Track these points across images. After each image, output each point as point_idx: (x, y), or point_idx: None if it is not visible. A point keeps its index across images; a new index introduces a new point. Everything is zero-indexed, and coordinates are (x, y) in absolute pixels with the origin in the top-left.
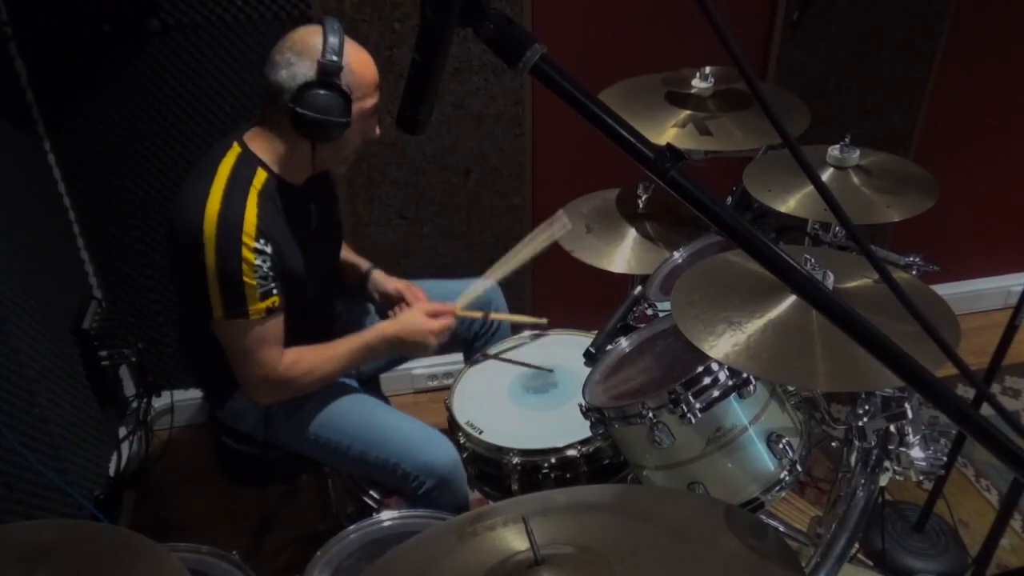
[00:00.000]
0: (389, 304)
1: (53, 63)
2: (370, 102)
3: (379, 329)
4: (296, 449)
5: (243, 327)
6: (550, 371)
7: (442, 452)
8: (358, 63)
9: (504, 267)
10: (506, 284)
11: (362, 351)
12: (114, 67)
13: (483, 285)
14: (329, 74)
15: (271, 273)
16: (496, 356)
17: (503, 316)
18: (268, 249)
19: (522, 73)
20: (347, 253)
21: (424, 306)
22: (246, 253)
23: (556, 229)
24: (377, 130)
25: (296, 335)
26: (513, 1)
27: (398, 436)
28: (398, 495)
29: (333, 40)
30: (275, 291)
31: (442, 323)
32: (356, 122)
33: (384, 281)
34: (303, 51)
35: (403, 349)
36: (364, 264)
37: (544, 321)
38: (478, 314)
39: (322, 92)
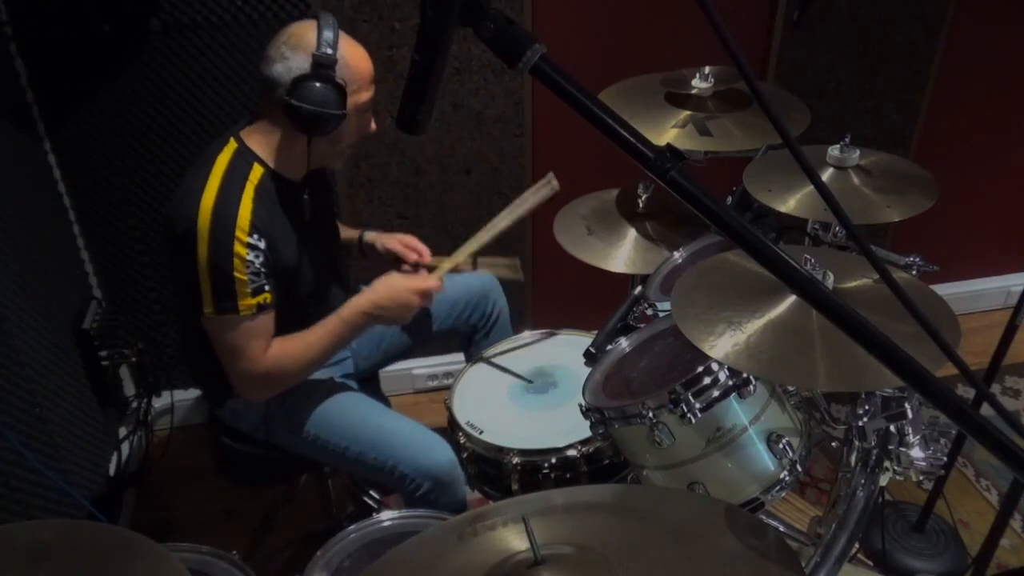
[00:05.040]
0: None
1: (53, 63)
2: (365, 95)
3: (354, 302)
4: (294, 449)
5: (232, 323)
6: (530, 381)
7: (439, 454)
8: (353, 56)
9: (488, 234)
10: (506, 284)
11: (342, 328)
12: (114, 67)
13: (463, 255)
14: (324, 67)
15: (263, 269)
16: (487, 360)
17: (486, 262)
18: (261, 245)
19: (522, 73)
20: (342, 230)
21: (403, 273)
22: (238, 248)
23: (544, 192)
24: (373, 125)
25: (294, 330)
26: (513, 1)
27: (395, 438)
28: (398, 494)
29: (328, 34)
30: (267, 288)
31: (425, 283)
32: (352, 115)
33: (379, 239)
34: (297, 45)
35: (386, 315)
36: (356, 234)
37: (518, 271)
38: (462, 258)
39: (317, 84)
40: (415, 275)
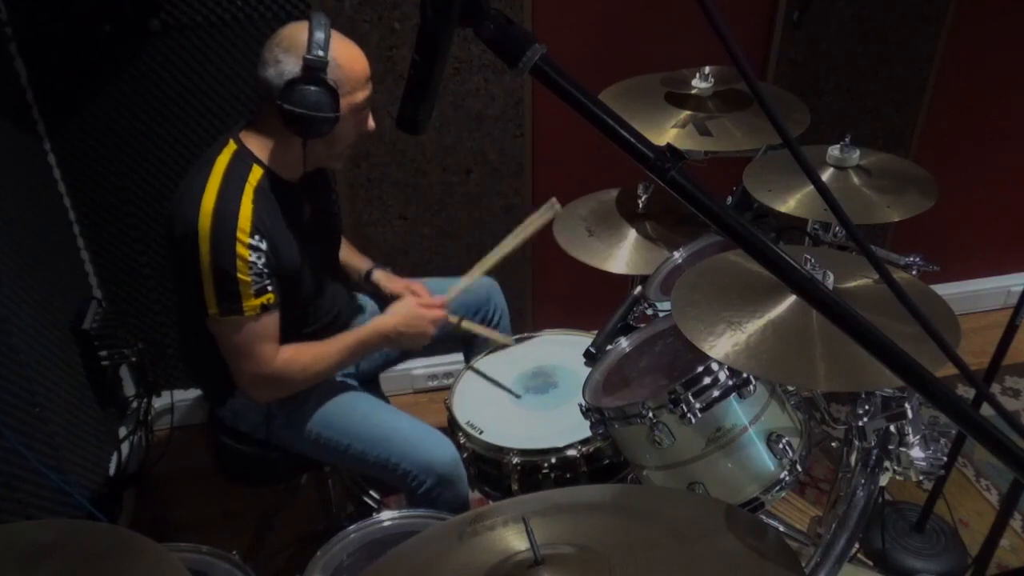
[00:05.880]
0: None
1: (53, 63)
2: (361, 96)
3: (374, 325)
4: (296, 448)
5: (238, 324)
6: (518, 396)
7: (441, 451)
8: (346, 57)
9: (494, 257)
10: (506, 285)
11: (358, 348)
12: (114, 67)
13: (471, 279)
14: (315, 70)
15: (266, 270)
16: (476, 369)
17: (474, 327)
18: (263, 246)
19: (522, 73)
20: (349, 253)
21: (419, 300)
22: (240, 249)
23: (547, 215)
24: (371, 123)
25: (294, 331)
26: (513, 1)
27: (398, 435)
28: (398, 494)
29: (319, 35)
30: (270, 288)
31: (436, 313)
32: (347, 116)
33: (386, 283)
34: (289, 48)
35: (400, 342)
36: (365, 264)
37: (511, 342)
38: (454, 318)
39: (308, 88)
40: (430, 303)
